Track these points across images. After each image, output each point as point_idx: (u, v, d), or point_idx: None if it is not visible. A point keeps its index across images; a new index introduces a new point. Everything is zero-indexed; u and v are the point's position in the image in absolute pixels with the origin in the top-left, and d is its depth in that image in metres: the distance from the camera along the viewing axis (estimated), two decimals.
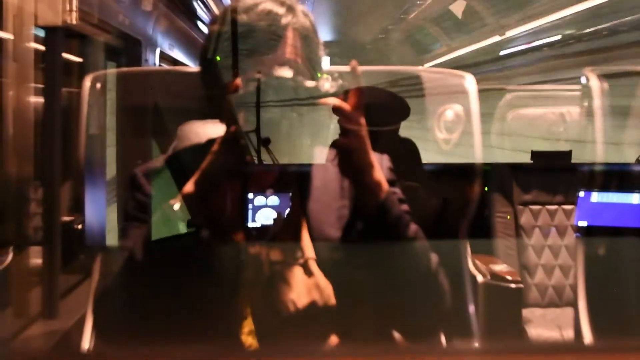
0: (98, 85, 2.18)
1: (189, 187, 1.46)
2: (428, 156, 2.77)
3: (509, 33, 9.85)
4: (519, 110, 4.02)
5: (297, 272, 1.53)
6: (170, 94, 1.96)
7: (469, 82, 2.25)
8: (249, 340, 1.50)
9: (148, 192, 1.59)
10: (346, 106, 1.42)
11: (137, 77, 2.33)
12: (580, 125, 3.74)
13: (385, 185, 1.49)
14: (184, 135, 1.80)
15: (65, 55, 3.42)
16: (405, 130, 2.33)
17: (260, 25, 1.52)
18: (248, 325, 1.51)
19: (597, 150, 3.46)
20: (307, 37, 1.59)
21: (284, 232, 1.56)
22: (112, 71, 3.43)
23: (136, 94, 2.09)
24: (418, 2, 10.72)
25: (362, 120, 1.43)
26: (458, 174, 2.31)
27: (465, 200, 2.33)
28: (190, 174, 1.47)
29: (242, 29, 1.52)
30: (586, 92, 3.56)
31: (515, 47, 10.04)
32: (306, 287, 1.52)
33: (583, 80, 3.55)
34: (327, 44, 1.65)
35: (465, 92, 2.25)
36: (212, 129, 1.59)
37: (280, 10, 1.55)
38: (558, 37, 8.52)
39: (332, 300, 1.52)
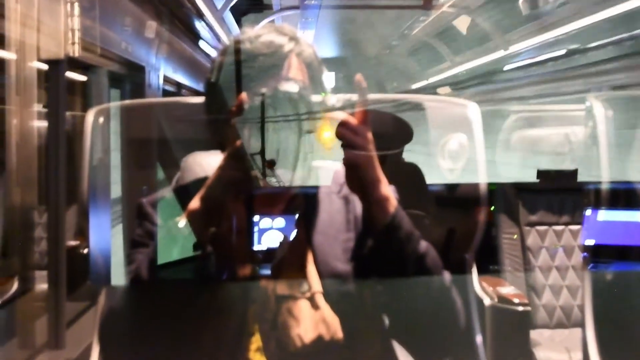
0: (101, 120, 2.18)
1: (194, 208, 1.45)
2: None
3: (513, 48, 9.86)
4: (524, 132, 4.01)
5: (304, 306, 1.52)
6: (174, 124, 1.96)
7: (472, 110, 2.24)
8: (256, 357, 1.50)
9: (155, 221, 1.59)
10: (354, 120, 1.42)
11: (140, 109, 2.32)
12: (586, 145, 3.73)
13: (394, 200, 1.49)
14: (188, 166, 1.80)
15: (69, 82, 3.42)
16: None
17: (263, 52, 1.54)
18: (256, 341, 1.51)
19: (602, 173, 3.45)
20: (310, 64, 1.61)
21: (290, 260, 1.56)
22: (114, 104, 3.43)
23: (139, 125, 2.09)
24: (421, 18, 10.73)
25: (370, 135, 1.43)
26: (464, 198, 2.29)
27: (472, 229, 2.32)
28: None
29: (246, 56, 1.54)
30: (590, 114, 3.55)
31: (520, 61, 10.06)
32: (313, 321, 1.51)
33: (588, 103, 3.53)
34: (331, 60, 1.66)
35: (468, 121, 2.23)
36: (216, 160, 1.59)
37: (283, 40, 1.58)
38: (563, 51, 8.54)
39: (339, 334, 1.51)
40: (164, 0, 4.65)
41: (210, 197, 1.45)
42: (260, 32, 1.59)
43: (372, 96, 1.83)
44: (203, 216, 1.45)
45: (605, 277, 3.19)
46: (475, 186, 2.27)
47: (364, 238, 1.56)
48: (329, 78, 1.65)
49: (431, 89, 14.46)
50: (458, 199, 2.39)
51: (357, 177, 1.46)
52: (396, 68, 14.77)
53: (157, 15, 4.47)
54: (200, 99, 1.70)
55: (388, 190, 1.48)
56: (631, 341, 2.37)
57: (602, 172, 3.37)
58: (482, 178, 2.27)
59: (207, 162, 1.69)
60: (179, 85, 5.71)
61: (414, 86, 15.04)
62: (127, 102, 3.54)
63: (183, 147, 1.83)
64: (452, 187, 3.03)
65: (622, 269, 3.36)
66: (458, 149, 2.52)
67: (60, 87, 2.79)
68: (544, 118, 4.07)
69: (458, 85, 13.26)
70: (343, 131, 1.42)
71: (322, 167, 1.66)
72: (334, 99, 1.49)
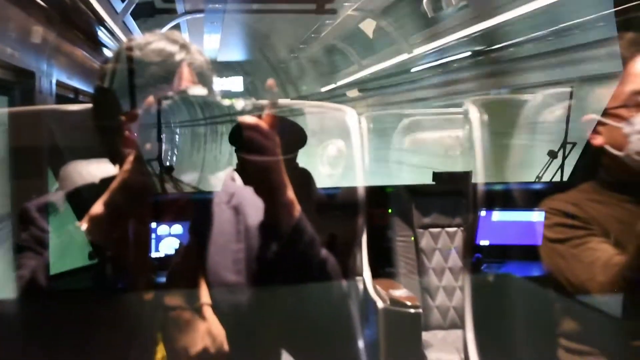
0: None
1: (97, 214, 1.41)
2: None
3: (418, 50, 10.02)
4: (416, 135, 4.04)
5: (191, 318, 1.51)
6: (65, 132, 1.93)
7: (350, 116, 2.26)
8: None
9: (42, 226, 1.55)
10: (264, 124, 1.41)
11: (27, 116, 2.26)
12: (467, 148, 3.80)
13: (297, 205, 1.49)
14: (67, 175, 1.77)
15: None
16: None
17: (154, 61, 1.53)
18: (161, 351, 1.49)
19: (478, 177, 3.52)
20: (202, 73, 1.59)
21: (180, 270, 1.55)
22: None
23: (26, 133, 2.04)
24: (327, 22, 10.80)
25: (277, 140, 1.42)
26: (349, 203, 2.31)
27: (355, 232, 2.34)
28: (79, 215, 1.43)
29: (136, 65, 1.52)
30: (467, 118, 3.63)
31: (424, 64, 10.23)
32: (199, 333, 1.50)
33: (465, 107, 3.61)
34: (238, 64, 1.66)
35: (346, 127, 2.25)
36: (96, 168, 1.57)
37: (173, 48, 1.56)
38: (466, 54, 8.72)
39: (225, 347, 1.50)
40: (56, 5, 4.56)
41: (114, 202, 1.41)
42: (150, 40, 1.57)
43: (260, 102, 1.83)
44: (104, 222, 1.41)
45: (487, 279, 3.25)
46: (354, 190, 2.29)
47: (267, 245, 1.55)
48: (220, 86, 1.65)
49: (340, 92, 14.59)
50: (345, 203, 2.41)
51: (264, 181, 1.46)
52: (305, 71, 14.83)
53: (49, 20, 4.39)
54: (90, 106, 1.68)
55: (292, 193, 1.48)
56: (508, 342, 2.42)
57: (477, 176, 3.44)
58: (360, 182, 2.29)
59: (87, 171, 1.67)
60: (76, 91, 5.59)
61: (323, 89, 15.13)
62: (12, 109, 3.46)
63: (77, 154, 1.80)
64: (336, 192, 3.05)
65: (514, 268, 3.44)
66: (336, 155, 2.54)
67: None
68: (436, 121, 4.13)
69: (364, 87, 13.42)
70: (254, 135, 1.42)
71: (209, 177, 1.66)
72: (241, 103, 1.48)
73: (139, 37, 1.59)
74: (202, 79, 1.59)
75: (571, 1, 5.93)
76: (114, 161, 1.55)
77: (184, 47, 1.58)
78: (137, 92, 1.49)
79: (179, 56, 1.56)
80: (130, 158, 1.39)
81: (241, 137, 1.41)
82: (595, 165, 2.26)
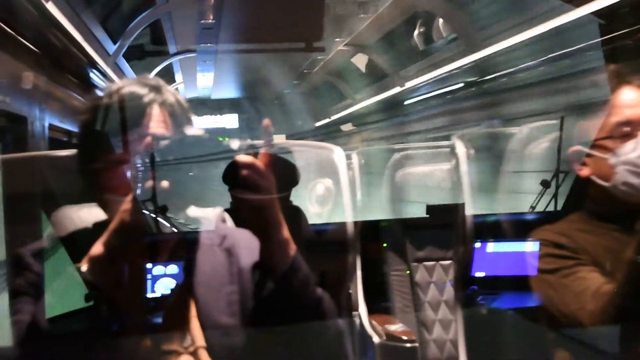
0: None
1: (96, 255, 1.42)
2: None
3: (409, 84, 10.06)
4: (407, 169, 4.03)
5: None
6: (58, 176, 1.94)
7: (338, 155, 2.27)
8: None
9: (37, 271, 1.55)
10: (260, 163, 1.43)
11: (19, 162, 2.27)
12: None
13: (293, 243, 1.50)
14: (58, 221, 1.77)
15: None
16: None
17: (125, 105, 1.55)
18: None
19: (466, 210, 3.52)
20: (174, 112, 1.62)
21: (174, 313, 1.55)
22: None
23: (19, 179, 2.05)
24: (319, 57, 10.84)
25: (273, 179, 1.45)
26: (339, 240, 2.31)
27: (347, 270, 2.33)
28: (75, 258, 1.44)
29: (110, 111, 1.55)
30: (453, 152, 3.65)
31: (417, 96, 10.26)
32: None
33: (453, 141, 3.63)
34: (232, 101, 1.68)
35: (334, 165, 2.26)
36: (87, 213, 1.57)
37: (143, 90, 1.60)
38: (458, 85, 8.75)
39: None
40: (47, 49, 4.59)
41: (113, 243, 1.42)
42: (122, 85, 1.61)
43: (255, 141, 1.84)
44: (105, 263, 1.42)
45: (481, 311, 3.24)
46: (347, 226, 2.29)
47: (263, 285, 1.54)
48: (215, 123, 1.67)
49: (334, 126, 14.62)
50: (337, 239, 2.41)
51: (260, 220, 1.47)
52: (299, 107, 14.86)
53: (40, 64, 4.41)
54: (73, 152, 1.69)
55: (287, 232, 1.49)
56: None
57: (466, 209, 3.44)
58: (349, 219, 2.30)
59: (77, 216, 1.67)
60: (69, 134, 5.60)
61: (318, 124, 15.17)
62: (5, 155, 3.45)
63: (70, 199, 1.80)
64: (329, 228, 3.04)
65: (510, 299, 3.42)
66: (325, 194, 2.55)
67: None
68: (425, 155, 4.12)
69: (359, 121, 13.45)
70: (250, 173, 1.43)
71: (200, 215, 1.66)
72: (236, 143, 1.50)
73: (112, 84, 1.63)
74: (175, 117, 1.62)
75: (561, 30, 5.95)
76: (101, 204, 1.56)
77: (154, 88, 1.62)
78: (115, 135, 1.53)
79: (148, 98, 1.59)
80: (127, 199, 1.41)
81: (236, 176, 1.43)
82: (584, 196, 2.27)
